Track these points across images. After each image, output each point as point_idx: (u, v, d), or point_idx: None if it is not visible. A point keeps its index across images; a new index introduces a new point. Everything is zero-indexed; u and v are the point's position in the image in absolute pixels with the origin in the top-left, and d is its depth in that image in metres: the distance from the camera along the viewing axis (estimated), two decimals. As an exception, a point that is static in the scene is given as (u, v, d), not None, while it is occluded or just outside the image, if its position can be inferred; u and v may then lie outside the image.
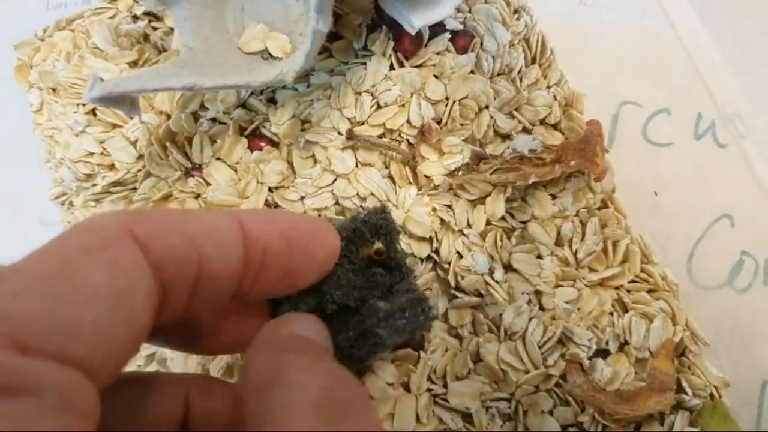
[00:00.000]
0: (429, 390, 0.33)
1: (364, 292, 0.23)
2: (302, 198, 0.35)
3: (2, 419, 0.12)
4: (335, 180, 0.34)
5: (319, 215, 0.35)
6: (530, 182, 0.33)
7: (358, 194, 0.34)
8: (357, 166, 0.35)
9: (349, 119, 0.35)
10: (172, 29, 0.40)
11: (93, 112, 0.38)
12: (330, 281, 0.22)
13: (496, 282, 0.34)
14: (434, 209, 0.34)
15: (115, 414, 0.18)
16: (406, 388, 0.33)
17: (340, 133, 0.35)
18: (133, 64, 0.38)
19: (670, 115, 0.40)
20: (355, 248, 0.24)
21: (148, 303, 0.15)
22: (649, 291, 0.35)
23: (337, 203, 0.35)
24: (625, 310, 0.35)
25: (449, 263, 0.34)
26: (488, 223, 0.35)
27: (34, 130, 0.40)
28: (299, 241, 0.19)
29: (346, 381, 0.17)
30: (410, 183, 0.35)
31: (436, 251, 0.34)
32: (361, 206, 0.34)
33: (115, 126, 0.37)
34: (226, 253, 0.17)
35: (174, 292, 0.16)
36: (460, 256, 0.34)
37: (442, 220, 0.34)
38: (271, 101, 0.36)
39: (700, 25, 0.41)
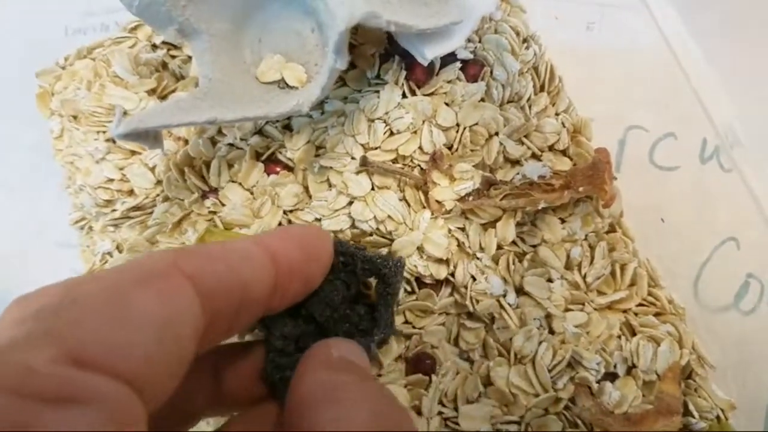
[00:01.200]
0: (440, 413, 0.33)
1: (336, 320, 0.23)
2: (318, 220, 0.36)
3: (58, 428, 0.13)
4: (351, 203, 0.35)
5: (335, 237, 0.36)
6: (539, 208, 0.34)
7: (375, 217, 0.35)
8: (373, 188, 0.35)
9: (362, 145, 0.36)
10: (190, 57, 0.41)
11: (113, 139, 0.39)
12: (320, 299, 0.22)
13: (510, 305, 0.34)
14: (450, 230, 0.35)
15: None
16: (418, 411, 0.33)
17: (353, 158, 0.35)
18: (152, 91, 0.39)
19: (676, 140, 0.41)
20: (347, 278, 0.24)
21: (194, 329, 0.16)
22: (656, 314, 0.36)
23: (353, 226, 0.35)
24: (633, 334, 0.35)
25: (466, 287, 0.34)
26: (499, 247, 0.35)
27: (55, 156, 0.41)
28: (311, 249, 0.20)
29: (396, 405, 0.18)
30: (424, 207, 0.36)
31: (452, 275, 0.35)
32: (377, 228, 0.35)
33: (134, 153, 0.38)
34: (262, 277, 0.18)
35: (220, 318, 0.17)
36: (474, 279, 0.35)
37: (459, 242, 0.35)
38: (287, 128, 0.37)
39: (698, 51, 0.42)
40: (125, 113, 0.37)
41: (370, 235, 0.35)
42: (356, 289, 0.24)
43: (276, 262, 0.19)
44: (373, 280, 0.25)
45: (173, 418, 0.21)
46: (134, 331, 0.15)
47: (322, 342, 0.21)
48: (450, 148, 0.37)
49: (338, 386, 0.18)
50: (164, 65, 0.41)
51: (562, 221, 0.36)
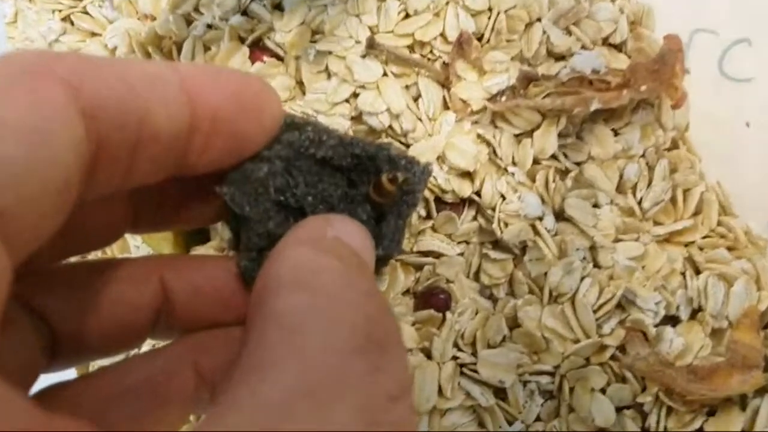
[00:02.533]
0: (455, 358, 0.29)
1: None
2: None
3: None
4: (356, 93, 0.30)
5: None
6: (591, 110, 0.29)
7: (389, 109, 0.29)
8: (386, 74, 0.30)
9: (369, 27, 0.30)
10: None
11: (69, 19, 0.34)
12: (315, 192, 0.19)
13: (547, 231, 0.29)
14: (479, 136, 0.30)
15: (84, 305, 0.17)
16: (428, 354, 0.29)
17: (358, 42, 0.30)
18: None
19: (751, 46, 0.35)
20: (355, 176, 0.19)
21: (74, 153, 0.13)
22: (729, 248, 0.31)
23: (356, 118, 0.30)
24: (697, 271, 0.30)
25: (493, 209, 0.29)
26: (536, 161, 0.30)
27: (7, 43, 0.36)
28: (248, 103, 0.16)
29: (385, 313, 0.15)
30: (447, 108, 0.30)
31: (477, 193, 0.30)
32: (390, 126, 0.29)
33: (94, 34, 0.34)
34: (171, 110, 0.15)
35: (110, 148, 0.14)
36: (504, 198, 0.29)
37: (490, 150, 0.30)
38: (277, 8, 0.32)
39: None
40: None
41: (381, 134, 0.30)
42: (365, 189, 0.19)
43: (193, 102, 0.15)
44: (388, 183, 0.19)
45: (114, 331, 0.18)
46: None
47: (319, 216, 0.18)
48: (480, 39, 0.31)
49: (319, 270, 0.15)
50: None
51: (616, 133, 0.31)
